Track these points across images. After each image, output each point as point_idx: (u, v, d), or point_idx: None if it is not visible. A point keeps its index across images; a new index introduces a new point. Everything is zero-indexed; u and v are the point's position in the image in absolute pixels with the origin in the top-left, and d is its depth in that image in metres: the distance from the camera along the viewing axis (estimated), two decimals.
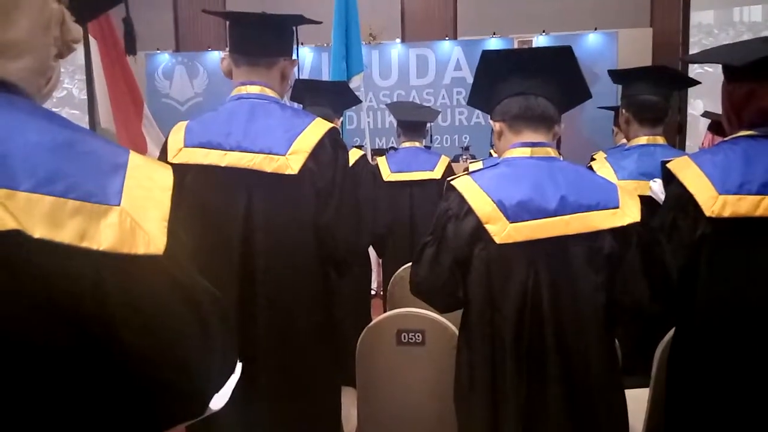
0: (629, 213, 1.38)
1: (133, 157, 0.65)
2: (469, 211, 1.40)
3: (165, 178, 0.67)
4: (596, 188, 1.42)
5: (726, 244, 1.35)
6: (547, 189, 1.39)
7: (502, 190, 1.39)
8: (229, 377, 0.74)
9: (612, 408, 1.42)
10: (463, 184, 1.45)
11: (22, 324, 0.54)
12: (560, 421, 1.36)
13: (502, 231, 1.37)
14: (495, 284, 1.39)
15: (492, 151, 3.82)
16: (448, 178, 1.51)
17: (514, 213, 1.37)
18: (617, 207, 1.38)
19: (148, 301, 0.60)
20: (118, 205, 0.60)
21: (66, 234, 0.55)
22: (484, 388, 1.42)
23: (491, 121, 1.56)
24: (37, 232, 0.54)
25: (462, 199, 1.42)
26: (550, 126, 1.49)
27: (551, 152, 1.47)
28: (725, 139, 1.46)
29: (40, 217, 0.54)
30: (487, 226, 1.38)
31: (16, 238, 0.53)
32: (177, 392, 0.65)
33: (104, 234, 0.58)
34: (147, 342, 0.60)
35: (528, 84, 1.48)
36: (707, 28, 7.03)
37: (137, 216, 0.61)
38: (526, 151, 1.46)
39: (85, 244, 0.56)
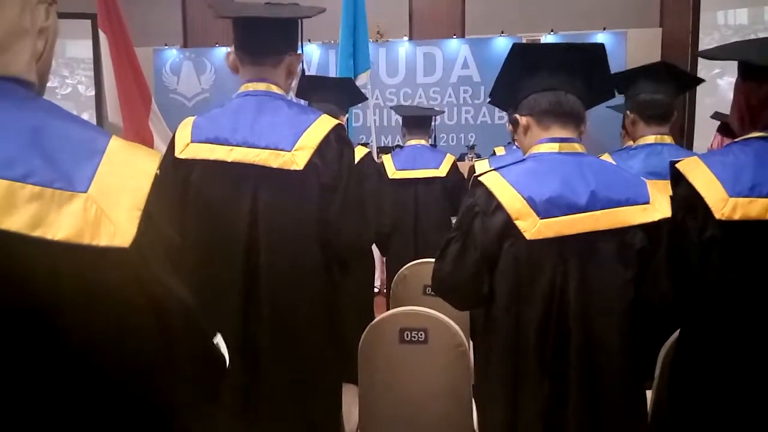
0: (660, 208, 1.36)
1: (114, 143, 0.61)
2: (498, 206, 1.38)
3: (148, 164, 0.62)
4: (626, 183, 1.40)
5: (735, 247, 1.32)
6: (577, 185, 1.37)
7: (532, 186, 1.38)
8: (211, 383, 0.70)
9: (633, 407, 1.42)
10: (490, 179, 1.42)
11: None
12: (582, 418, 1.35)
13: (532, 227, 1.35)
14: (523, 280, 1.37)
15: (496, 149, 3.80)
16: (474, 174, 1.49)
17: (545, 209, 1.35)
18: (647, 202, 1.37)
19: (103, 296, 0.55)
20: (85, 192, 0.56)
21: (16, 221, 0.52)
22: (505, 384, 1.40)
23: (517, 116, 1.53)
24: None
25: (490, 195, 1.40)
26: (578, 123, 1.48)
27: (578, 148, 1.46)
28: (736, 140, 1.43)
29: None
30: (517, 222, 1.36)
31: None
32: (131, 396, 0.60)
33: (63, 222, 0.54)
34: (97, 339, 0.56)
35: (559, 80, 1.46)
36: (718, 28, 6.98)
37: (105, 204, 0.56)
38: (554, 147, 1.44)
39: (37, 233, 0.53)
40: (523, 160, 1.48)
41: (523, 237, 1.35)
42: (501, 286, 1.40)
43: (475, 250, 1.42)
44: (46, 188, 0.54)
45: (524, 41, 9.00)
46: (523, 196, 1.36)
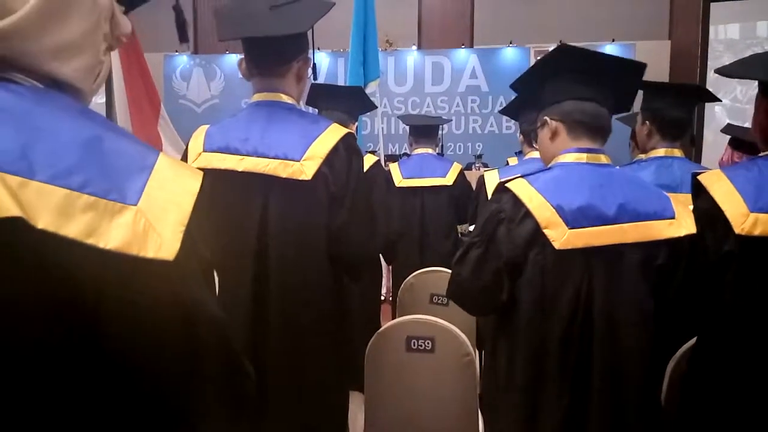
0: (685, 224, 1.36)
1: (162, 160, 0.64)
2: (527, 214, 1.36)
3: (191, 183, 0.65)
4: (652, 197, 1.40)
5: (754, 263, 1.31)
6: (606, 196, 1.36)
7: (561, 195, 1.36)
8: (237, 407, 0.71)
9: (652, 420, 1.40)
10: (518, 186, 1.40)
11: (17, 311, 0.53)
12: (603, 430, 1.34)
13: (561, 236, 1.34)
14: (548, 290, 1.36)
15: (509, 159, 3.78)
16: (501, 180, 1.47)
17: (574, 219, 1.34)
18: (673, 217, 1.36)
19: (142, 306, 0.58)
20: (135, 204, 0.58)
21: (73, 228, 0.54)
22: (526, 395, 1.38)
23: (547, 117, 1.50)
24: (41, 222, 0.53)
25: (517, 202, 1.38)
26: (605, 137, 1.47)
27: (605, 159, 1.45)
28: (760, 155, 1.41)
29: (48, 208, 0.54)
30: (546, 231, 1.34)
31: (17, 226, 0.52)
32: (160, 405, 0.61)
33: (114, 232, 0.56)
34: (132, 347, 0.58)
35: (597, 91, 1.44)
36: (727, 41, 6.97)
37: (153, 218, 0.59)
38: (582, 157, 1.43)
39: (91, 241, 0.55)
40: (550, 168, 1.46)
41: (552, 246, 1.34)
42: (525, 294, 1.38)
43: (498, 257, 1.40)
44: (101, 199, 0.57)
45: (532, 52, 9.05)
46: (552, 205, 1.35)
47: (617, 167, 1.48)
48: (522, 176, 1.43)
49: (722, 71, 1.44)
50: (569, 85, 1.46)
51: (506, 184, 1.42)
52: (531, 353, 1.38)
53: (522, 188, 1.39)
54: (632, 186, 1.41)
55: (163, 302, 0.59)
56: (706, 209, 1.36)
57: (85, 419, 0.58)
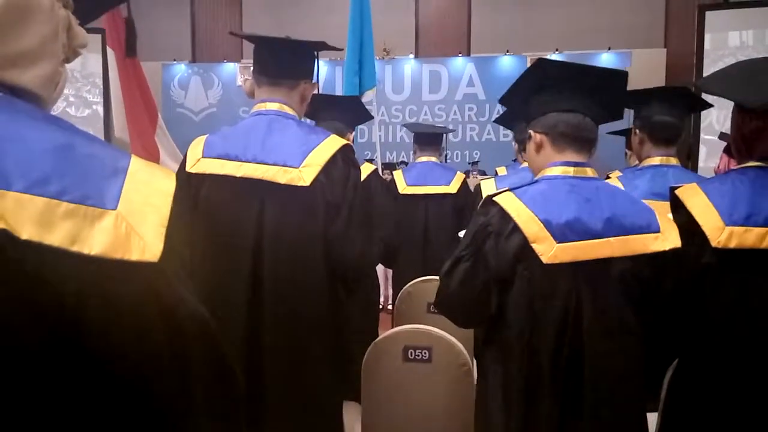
0: (670, 238, 1.37)
1: (135, 162, 0.64)
2: (515, 228, 1.37)
3: (166, 184, 0.64)
4: (637, 211, 1.40)
5: (730, 274, 1.34)
6: (593, 210, 1.37)
7: (548, 209, 1.37)
8: (227, 407, 0.70)
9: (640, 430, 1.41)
10: (506, 200, 1.40)
11: (5, 322, 0.53)
12: None
13: (549, 251, 1.34)
14: (537, 304, 1.36)
15: (498, 169, 3.78)
16: (488, 194, 1.47)
17: (561, 233, 1.34)
18: (659, 231, 1.37)
19: (127, 308, 0.57)
20: (115, 209, 0.58)
21: (56, 236, 0.54)
22: (519, 410, 1.38)
23: (531, 131, 1.51)
24: (25, 233, 0.53)
25: (505, 216, 1.38)
26: (591, 148, 1.48)
27: (591, 173, 1.45)
28: (734, 168, 1.45)
29: (30, 218, 0.53)
30: (534, 246, 1.34)
31: (1, 238, 0.51)
32: (145, 408, 0.61)
33: (97, 238, 0.56)
34: (117, 349, 0.57)
35: (580, 102, 1.45)
36: (723, 49, 7.01)
37: (133, 221, 0.59)
38: (569, 170, 1.44)
39: (75, 248, 0.55)
40: (536, 181, 1.46)
41: (539, 260, 1.34)
42: (513, 309, 1.39)
43: (486, 270, 1.40)
44: (80, 205, 0.56)
45: (529, 60, 9.08)
46: (539, 219, 1.35)
47: (603, 180, 1.48)
48: (509, 189, 1.44)
49: (702, 84, 1.47)
50: (551, 98, 1.47)
51: (494, 198, 1.43)
52: (522, 367, 1.38)
53: (510, 202, 1.40)
54: (618, 200, 1.42)
55: (148, 303, 0.59)
56: (684, 223, 1.39)
57: (74, 423, 0.57)
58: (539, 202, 1.38)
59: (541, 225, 1.35)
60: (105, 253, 0.56)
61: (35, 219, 0.53)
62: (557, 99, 1.46)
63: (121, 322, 0.57)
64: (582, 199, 1.38)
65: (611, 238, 1.35)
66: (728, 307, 1.34)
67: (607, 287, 1.35)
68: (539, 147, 1.49)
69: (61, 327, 0.55)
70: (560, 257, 1.34)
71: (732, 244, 1.32)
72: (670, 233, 1.37)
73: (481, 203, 1.49)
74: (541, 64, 1.50)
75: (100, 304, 0.56)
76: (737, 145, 1.44)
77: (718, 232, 1.33)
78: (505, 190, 1.44)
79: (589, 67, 1.59)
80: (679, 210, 1.42)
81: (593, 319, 1.34)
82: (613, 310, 1.35)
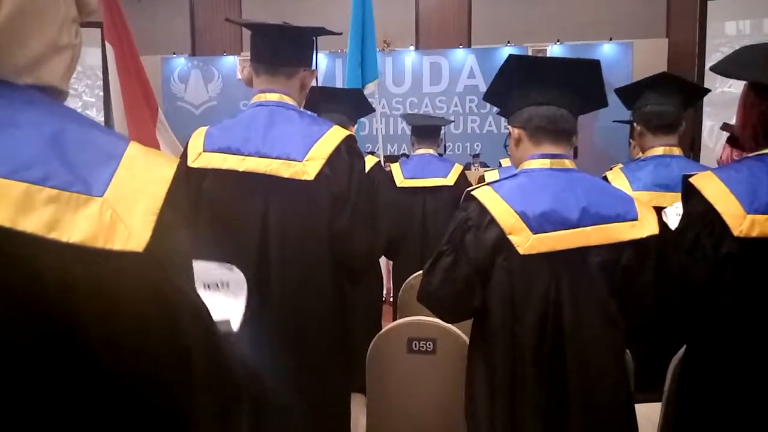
0: (648, 226, 1.38)
1: (132, 148, 0.61)
2: (492, 221, 1.40)
3: (164, 170, 0.61)
4: (615, 200, 1.42)
5: (753, 264, 1.30)
6: (569, 201, 1.39)
7: (525, 201, 1.39)
8: (226, 396, 0.68)
9: (627, 419, 1.42)
10: (483, 194, 1.44)
11: None
12: (580, 430, 1.36)
13: (525, 242, 1.36)
14: (517, 295, 1.39)
15: (502, 160, 3.79)
16: (468, 188, 1.50)
17: (537, 224, 1.37)
18: (636, 219, 1.38)
19: (116, 300, 0.55)
20: (101, 196, 0.56)
21: (32, 223, 0.52)
22: (504, 400, 1.40)
23: (509, 126, 1.55)
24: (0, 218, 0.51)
25: (483, 210, 1.41)
26: (569, 138, 1.50)
27: (569, 164, 1.47)
28: (749, 154, 1.40)
29: (7, 203, 0.52)
30: (511, 237, 1.37)
31: None
32: (143, 403, 0.59)
33: (78, 225, 0.54)
34: (110, 342, 0.55)
35: (553, 95, 1.47)
36: (725, 39, 6.98)
37: (120, 209, 0.56)
38: (545, 163, 1.46)
39: (52, 236, 0.52)
40: (515, 175, 1.49)
41: (517, 252, 1.37)
42: (494, 301, 1.41)
43: (467, 264, 1.43)
44: (64, 191, 0.54)
45: (530, 51, 9.05)
46: (516, 211, 1.38)
47: (581, 171, 1.49)
48: (488, 184, 1.47)
49: (716, 69, 1.43)
50: (525, 93, 1.50)
51: (472, 192, 1.46)
52: (506, 359, 1.40)
53: (487, 196, 1.43)
54: (595, 189, 1.43)
55: (139, 295, 0.57)
56: (701, 212, 1.35)
57: (69, 415, 0.56)
58: (516, 195, 1.41)
59: (518, 217, 1.37)
60: (85, 242, 0.54)
61: (13, 204, 0.52)
62: (530, 93, 1.49)
63: (113, 313, 0.55)
64: (558, 189, 1.41)
65: (587, 228, 1.37)
66: (748, 298, 1.30)
67: (586, 276, 1.37)
68: (518, 141, 1.52)
69: (50, 319, 0.53)
70: (537, 248, 1.36)
71: (754, 233, 1.28)
72: (648, 220, 1.38)
73: (462, 198, 1.51)
74: (509, 60, 1.53)
75: (88, 295, 0.54)
76: (754, 130, 1.39)
77: (739, 220, 1.29)
78: (484, 185, 1.47)
79: (558, 59, 1.62)
80: (695, 198, 1.38)
81: (573, 307, 1.36)
82: (593, 299, 1.37)
